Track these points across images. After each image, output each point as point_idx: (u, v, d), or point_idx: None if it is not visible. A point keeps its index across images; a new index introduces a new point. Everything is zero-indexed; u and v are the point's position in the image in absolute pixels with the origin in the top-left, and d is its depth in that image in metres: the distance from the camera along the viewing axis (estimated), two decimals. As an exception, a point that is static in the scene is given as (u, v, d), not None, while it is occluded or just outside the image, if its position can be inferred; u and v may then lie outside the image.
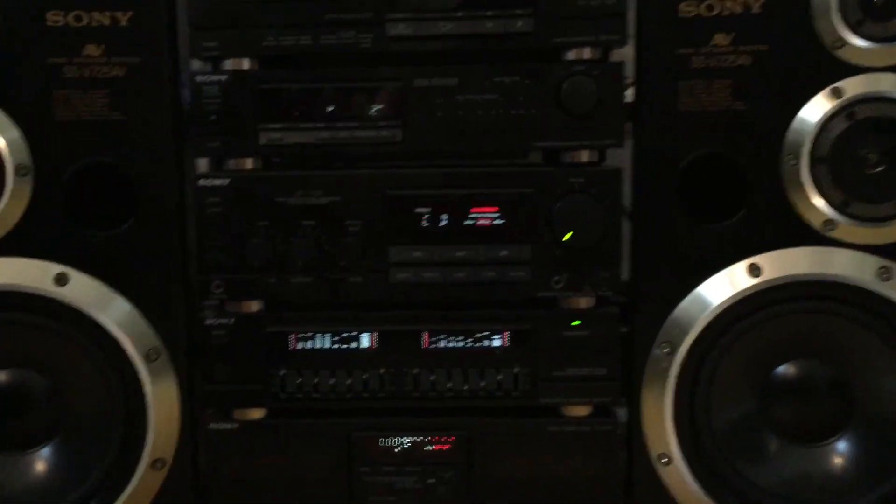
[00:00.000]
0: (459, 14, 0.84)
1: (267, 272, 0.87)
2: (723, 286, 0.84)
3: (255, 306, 0.89)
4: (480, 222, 0.87)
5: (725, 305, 0.83)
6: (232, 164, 0.88)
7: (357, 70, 0.86)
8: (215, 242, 0.87)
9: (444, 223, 0.87)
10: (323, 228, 0.87)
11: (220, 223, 0.87)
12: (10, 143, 0.83)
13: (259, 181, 0.87)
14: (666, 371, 0.86)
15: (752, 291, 0.83)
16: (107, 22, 0.84)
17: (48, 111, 0.84)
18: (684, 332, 0.85)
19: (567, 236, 0.85)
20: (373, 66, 0.86)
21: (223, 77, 0.86)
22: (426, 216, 0.87)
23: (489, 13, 0.84)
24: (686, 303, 0.85)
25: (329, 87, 0.86)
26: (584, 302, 0.88)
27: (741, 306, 0.83)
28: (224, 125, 0.86)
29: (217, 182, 0.87)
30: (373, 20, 0.84)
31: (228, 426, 0.89)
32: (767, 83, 0.83)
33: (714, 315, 0.84)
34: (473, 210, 0.87)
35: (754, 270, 0.83)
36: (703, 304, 0.84)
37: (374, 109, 0.86)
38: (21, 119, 0.83)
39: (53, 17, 0.83)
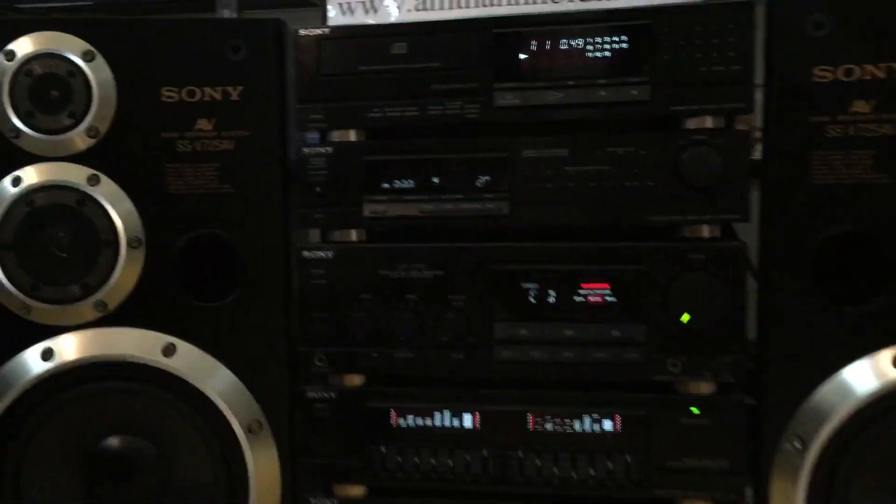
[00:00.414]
0: (570, 83, 0.80)
1: (369, 346, 0.85)
2: (866, 376, 0.75)
3: (357, 380, 0.88)
4: (591, 300, 0.82)
5: (869, 398, 0.74)
6: (337, 235, 0.87)
7: (463, 141, 0.83)
8: (318, 314, 0.86)
9: (551, 300, 0.83)
10: (426, 303, 0.84)
11: (324, 295, 0.86)
12: (123, 215, 0.85)
13: (362, 253, 0.85)
14: (797, 468, 0.78)
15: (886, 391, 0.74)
16: (218, 97, 0.85)
17: (161, 184, 0.85)
18: (819, 425, 0.77)
19: (685, 318, 0.79)
20: (480, 136, 0.83)
21: (329, 149, 0.85)
22: (533, 292, 0.83)
23: (602, 81, 0.80)
24: (821, 393, 0.77)
25: (434, 159, 0.84)
26: (704, 387, 0.81)
27: (888, 400, 0.74)
28: (329, 197, 0.85)
29: (321, 254, 0.86)
30: (480, 90, 0.82)
31: (328, 502, 0.87)
32: (914, 154, 0.74)
33: (854, 408, 0.75)
34: (583, 286, 0.82)
35: (901, 361, 0.74)
36: (842, 395, 0.75)
37: (481, 181, 0.83)
38: (135, 192, 0.85)
39: (168, 93, 0.84)
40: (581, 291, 0.82)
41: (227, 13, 1.08)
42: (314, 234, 0.91)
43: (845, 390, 0.76)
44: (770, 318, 0.79)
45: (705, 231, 0.81)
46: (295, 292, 0.88)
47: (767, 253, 0.79)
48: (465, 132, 0.84)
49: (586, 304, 0.82)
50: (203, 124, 0.85)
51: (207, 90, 0.84)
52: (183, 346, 0.87)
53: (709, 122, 0.79)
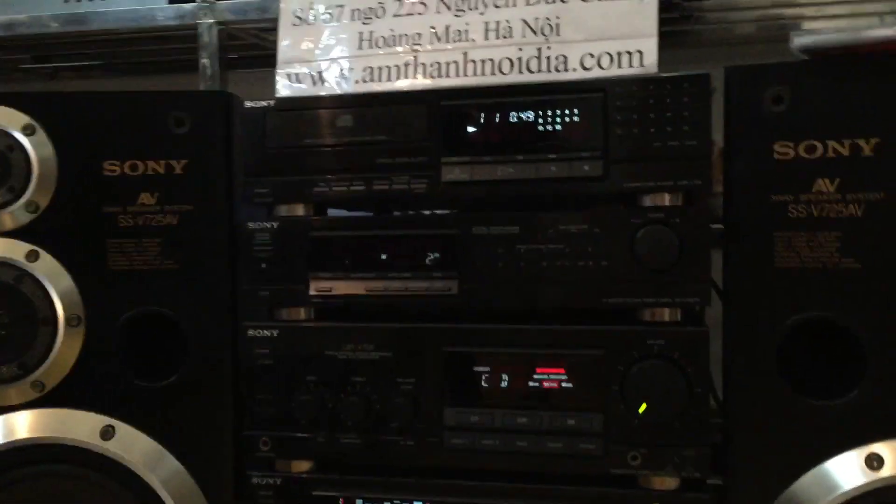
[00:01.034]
0: (519, 157, 0.77)
1: (315, 430, 0.81)
2: (833, 478, 0.69)
3: (304, 466, 0.83)
4: (546, 385, 0.77)
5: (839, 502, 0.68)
6: (284, 313, 0.84)
7: (411, 217, 0.80)
8: (264, 396, 0.82)
9: (504, 384, 0.78)
10: (374, 386, 0.80)
11: (269, 375, 0.82)
12: (62, 293, 0.82)
13: (307, 333, 0.82)
14: (765, 573, 0.72)
15: (870, 488, 0.68)
16: (161, 170, 0.82)
17: (102, 260, 0.82)
18: (790, 527, 0.71)
19: (642, 408, 0.74)
20: (429, 210, 0.80)
21: (274, 224, 0.82)
22: (485, 375, 0.78)
23: (552, 156, 0.76)
24: (793, 491, 0.71)
25: (381, 235, 0.80)
26: (668, 482, 0.75)
27: None
28: (274, 273, 0.82)
29: (266, 332, 0.82)
30: (427, 164, 0.78)
31: None
32: (886, 236, 0.69)
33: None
34: (538, 370, 0.77)
35: (873, 462, 0.68)
36: (827, 486, 0.69)
37: (430, 259, 0.79)
38: (75, 268, 0.82)
39: (110, 167, 0.82)
40: (535, 376, 0.78)
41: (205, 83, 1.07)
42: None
43: (827, 484, 0.70)
44: (733, 409, 0.74)
45: (666, 315, 0.76)
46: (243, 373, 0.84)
47: (730, 339, 0.74)
48: (414, 208, 0.81)
49: (541, 390, 0.77)
50: (146, 198, 0.82)
51: (150, 164, 0.82)
52: (124, 430, 0.83)
53: (666, 199, 0.75)
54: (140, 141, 0.82)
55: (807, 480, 0.71)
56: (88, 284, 0.83)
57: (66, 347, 0.82)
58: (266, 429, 0.82)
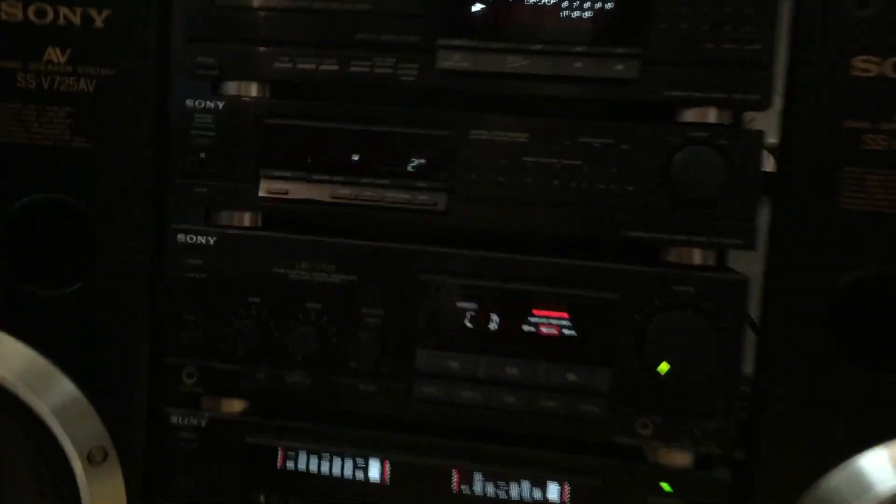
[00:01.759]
0: (537, 47, 0.61)
1: (255, 364, 0.66)
2: (887, 468, 0.58)
3: (236, 406, 0.68)
4: (544, 330, 0.63)
5: (891, 499, 0.57)
6: (224, 217, 0.67)
7: (395, 110, 0.64)
8: (192, 317, 0.66)
9: (493, 326, 0.64)
10: (332, 315, 0.65)
11: (200, 293, 0.66)
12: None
13: (253, 243, 0.66)
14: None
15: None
16: (77, 21, 0.64)
17: (-8, 131, 0.64)
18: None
19: (663, 367, 0.61)
20: (416, 106, 0.64)
21: (220, 104, 0.65)
22: (470, 313, 0.64)
23: (579, 49, 0.61)
24: (829, 483, 0.60)
25: (356, 130, 0.64)
26: (679, 458, 0.63)
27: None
28: (216, 166, 0.65)
29: (200, 239, 0.66)
30: (420, 46, 0.62)
31: (186, 559, 0.68)
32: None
33: None
34: (536, 312, 0.64)
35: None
36: (855, 488, 0.58)
37: (414, 164, 0.64)
38: (-46, 139, 0.64)
39: (8, 10, 0.63)
40: (532, 319, 0.64)
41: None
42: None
43: (860, 483, 0.58)
44: (769, 378, 0.61)
45: (697, 257, 0.63)
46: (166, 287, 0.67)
47: (774, 293, 0.61)
48: (398, 100, 0.65)
49: (537, 336, 0.64)
50: (54, 55, 0.64)
51: (63, 10, 0.64)
52: (10, 346, 0.66)
53: (712, 115, 0.61)
54: (51, -21, 0.63)
55: (850, 470, 0.59)
56: (-30, 160, 0.64)
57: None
58: (192, 357, 0.67)
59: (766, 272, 0.62)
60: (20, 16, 0.63)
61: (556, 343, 0.63)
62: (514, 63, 0.61)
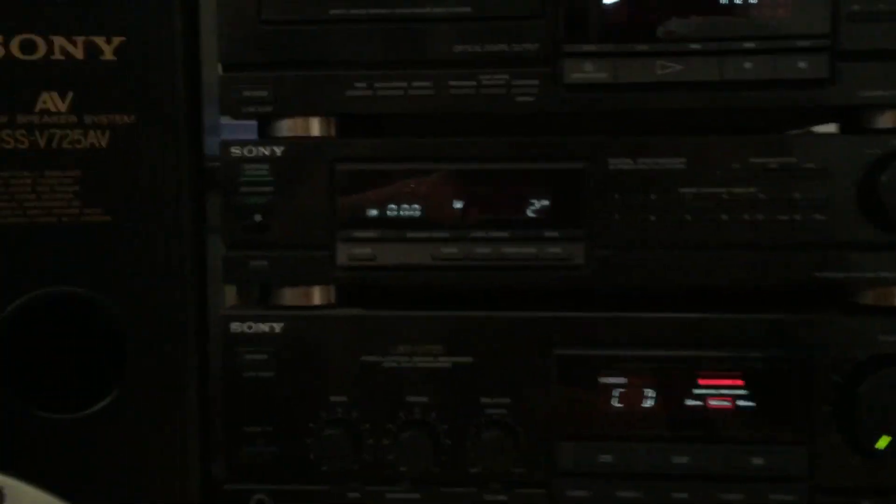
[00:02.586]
0: (694, 46, 0.47)
1: (346, 483, 0.51)
2: None
3: (321, 536, 0.53)
4: (713, 404, 0.50)
5: None
6: (287, 296, 0.52)
7: (508, 142, 0.50)
8: (259, 430, 0.51)
9: (649, 403, 0.50)
10: (442, 410, 0.50)
11: (267, 397, 0.51)
12: None
13: (334, 326, 0.51)
14: None
15: None
16: (79, 54, 0.48)
17: (-26, 208, 0.48)
18: None
19: (882, 442, 0.48)
20: (532, 135, 0.50)
21: (277, 149, 0.49)
22: (619, 391, 0.50)
23: (747, 45, 0.47)
24: None
25: (458, 170, 0.50)
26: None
27: None
28: (277, 231, 0.50)
29: (262, 327, 0.50)
30: (540, 55, 0.48)
31: None
32: None
33: None
34: (702, 382, 0.50)
35: None
36: None
37: (536, 207, 0.50)
38: (-75, 223, 0.47)
39: (-15, 46, 0.47)
40: (697, 391, 0.50)
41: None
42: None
43: None
44: None
45: (899, 297, 0.50)
46: (216, 392, 0.52)
47: None
48: (510, 129, 0.50)
49: (706, 412, 0.50)
50: (50, 102, 0.48)
51: (59, 41, 0.47)
52: (17, 490, 0.50)
53: (918, 120, 0.48)
54: (44, 4, 0.47)
55: None
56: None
57: None
58: (262, 480, 0.51)
59: None
60: (0, 52, 0.47)
61: (731, 418, 0.50)
62: (666, 69, 0.47)
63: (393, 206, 0.50)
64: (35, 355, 0.50)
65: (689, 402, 0.50)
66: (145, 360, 0.50)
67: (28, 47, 0.47)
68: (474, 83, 0.49)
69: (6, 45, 0.47)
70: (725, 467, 0.50)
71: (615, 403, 0.51)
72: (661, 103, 0.48)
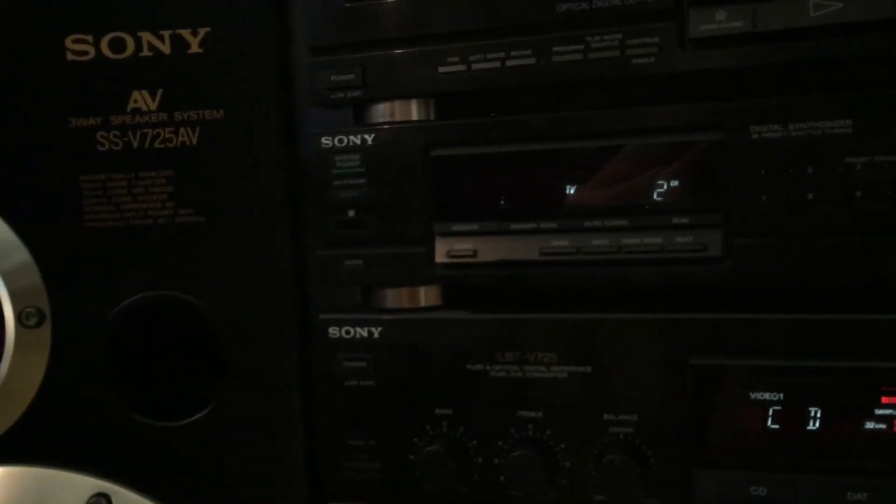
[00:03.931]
0: (860, -22, 0.38)
1: (453, 501, 0.45)
2: None
3: (431, 562, 0.48)
4: (901, 429, 0.39)
5: None
6: (388, 297, 0.47)
7: (625, 112, 0.42)
8: (360, 444, 0.47)
9: (813, 426, 0.41)
10: (558, 427, 0.44)
11: (368, 408, 0.46)
12: (9, 275, 0.47)
13: (438, 331, 0.45)
14: None
15: None
16: (166, 49, 0.46)
17: (75, 214, 0.47)
18: None
19: None
20: (653, 102, 0.42)
21: (369, 137, 0.45)
22: (774, 410, 0.41)
23: (934, -30, 0.37)
24: None
25: (567, 149, 0.43)
26: None
27: None
28: (373, 226, 0.46)
29: (361, 331, 0.46)
30: (659, 9, 0.40)
31: None
32: None
33: None
34: (886, 401, 0.40)
35: None
36: None
37: (663, 190, 0.42)
38: (32, 232, 0.47)
39: (75, 47, 0.46)
40: (882, 411, 0.40)
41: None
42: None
43: None
44: None
45: None
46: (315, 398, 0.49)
47: None
48: (628, 98, 0.43)
49: (890, 439, 0.39)
50: (142, 100, 0.46)
51: (146, 37, 0.46)
52: (122, 497, 0.49)
53: None
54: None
55: None
56: (56, 257, 0.47)
57: (21, 362, 0.48)
58: (364, 499, 0.47)
59: None
60: (92, 53, 0.46)
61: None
62: (824, 9, 0.38)
63: (495, 194, 0.44)
64: (135, 360, 0.49)
65: (869, 425, 0.40)
66: (244, 367, 0.48)
67: (118, 45, 0.46)
68: (581, 47, 0.42)
69: (97, 44, 0.46)
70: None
71: (770, 424, 0.42)
72: (814, 55, 0.39)
